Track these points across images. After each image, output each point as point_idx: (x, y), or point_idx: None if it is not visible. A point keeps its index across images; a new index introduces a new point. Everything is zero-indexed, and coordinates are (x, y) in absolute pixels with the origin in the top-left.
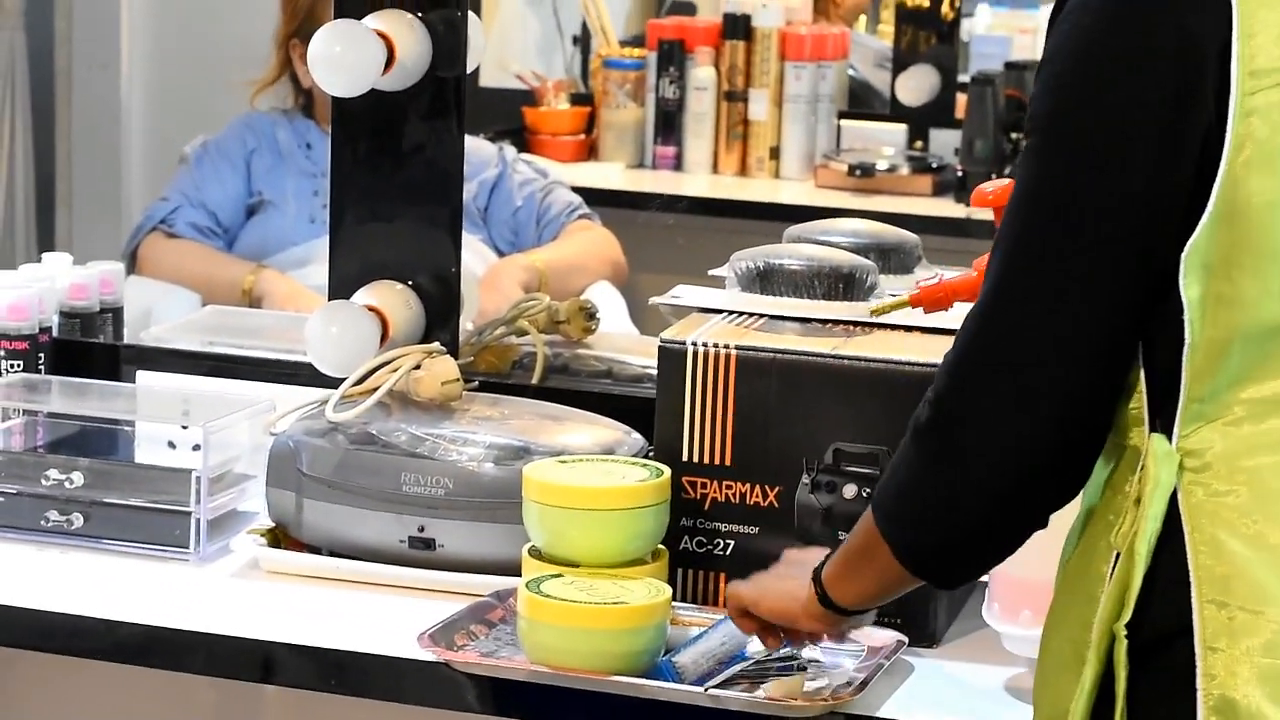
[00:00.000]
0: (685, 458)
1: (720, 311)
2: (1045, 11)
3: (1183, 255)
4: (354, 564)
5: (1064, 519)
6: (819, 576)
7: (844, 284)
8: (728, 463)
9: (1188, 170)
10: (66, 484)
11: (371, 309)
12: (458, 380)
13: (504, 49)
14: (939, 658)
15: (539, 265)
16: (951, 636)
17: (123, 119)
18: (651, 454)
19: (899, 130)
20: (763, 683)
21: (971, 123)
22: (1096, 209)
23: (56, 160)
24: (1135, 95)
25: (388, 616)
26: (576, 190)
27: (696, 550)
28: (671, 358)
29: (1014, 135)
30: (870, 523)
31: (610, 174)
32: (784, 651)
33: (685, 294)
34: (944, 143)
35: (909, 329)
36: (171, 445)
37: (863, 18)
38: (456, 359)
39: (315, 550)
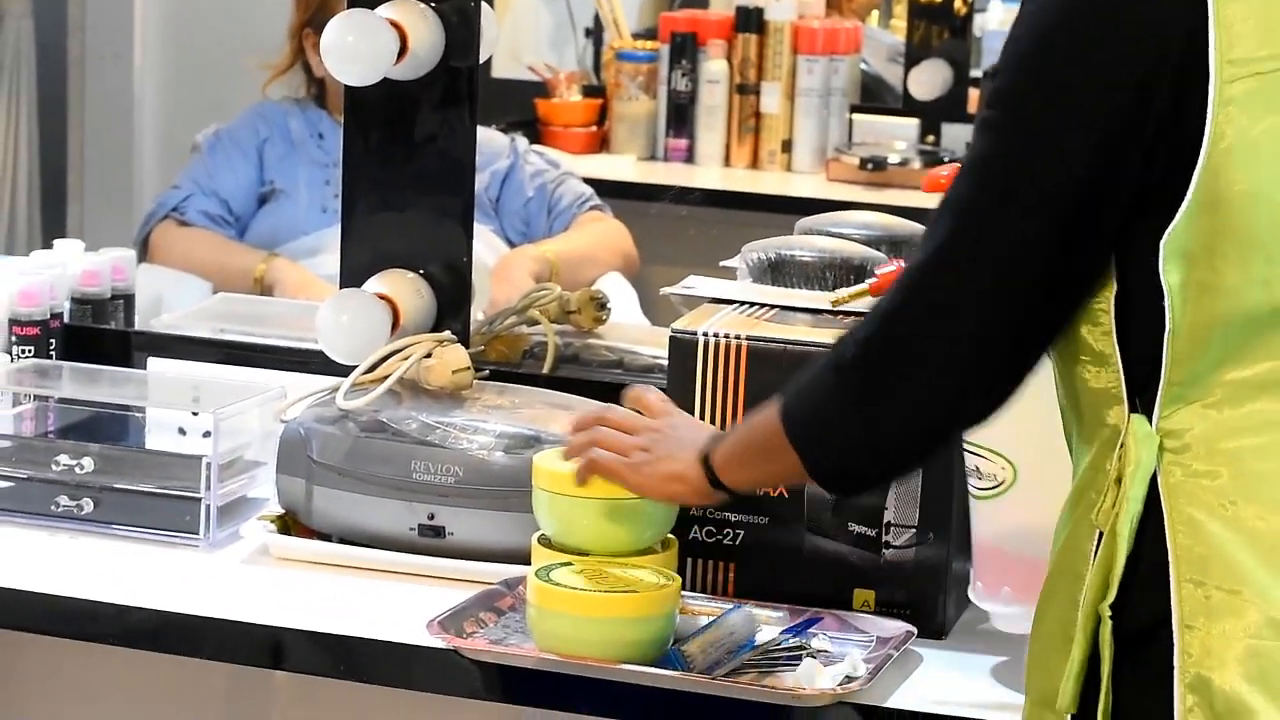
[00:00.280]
0: None
1: (731, 302)
2: None
3: (1161, 242)
4: (364, 551)
5: (1056, 499)
6: (708, 460)
7: (855, 276)
8: None
9: (1135, 158)
10: (77, 469)
11: (382, 297)
12: (468, 369)
13: (516, 40)
14: (947, 649)
15: (550, 256)
16: (960, 628)
17: (135, 109)
18: None
19: (911, 124)
20: (771, 672)
21: None
22: (1038, 187)
23: (69, 151)
24: (1088, 78)
25: (397, 603)
26: (588, 182)
27: (706, 540)
28: (682, 348)
29: None
30: (778, 428)
31: (622, 166)
32: (792, 641)
33: (697, 284)
34: (956, 137)
35: None
36: (182, 431)
37: (875, 12)
38: (467, 348)
39: (325, 537)
